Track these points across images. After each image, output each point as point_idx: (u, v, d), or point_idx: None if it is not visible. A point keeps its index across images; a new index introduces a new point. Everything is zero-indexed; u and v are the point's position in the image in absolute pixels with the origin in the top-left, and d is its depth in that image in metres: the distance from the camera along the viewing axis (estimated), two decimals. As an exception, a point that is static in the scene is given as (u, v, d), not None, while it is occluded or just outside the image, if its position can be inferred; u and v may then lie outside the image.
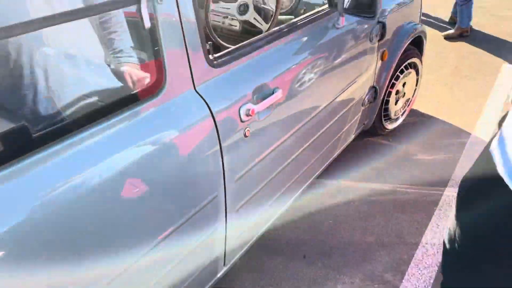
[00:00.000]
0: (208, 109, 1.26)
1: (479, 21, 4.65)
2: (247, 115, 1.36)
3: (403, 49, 2.49)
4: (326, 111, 1.89)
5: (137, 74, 1.20)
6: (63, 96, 1.17)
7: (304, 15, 1.78)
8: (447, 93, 3.39)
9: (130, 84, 1.19)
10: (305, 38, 1.71)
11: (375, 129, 2.75)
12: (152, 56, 1.16)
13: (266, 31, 1.95)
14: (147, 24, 1.08)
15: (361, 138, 2.79)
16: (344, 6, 1.82)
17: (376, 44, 2.22)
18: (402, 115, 2.91)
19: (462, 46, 4.21)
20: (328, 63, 1.81)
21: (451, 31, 4.41)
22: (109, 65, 1.26)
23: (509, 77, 3.63)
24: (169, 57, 1.15)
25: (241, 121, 1.36)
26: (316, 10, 1.85)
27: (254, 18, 2.02)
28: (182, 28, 1.18)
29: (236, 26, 2.19)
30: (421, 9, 2.84)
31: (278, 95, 1.49)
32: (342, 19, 1.86)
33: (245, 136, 1.40)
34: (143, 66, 1.23)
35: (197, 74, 1.25)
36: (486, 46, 4.19)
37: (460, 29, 4.36)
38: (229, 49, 1.40)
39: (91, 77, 1.21)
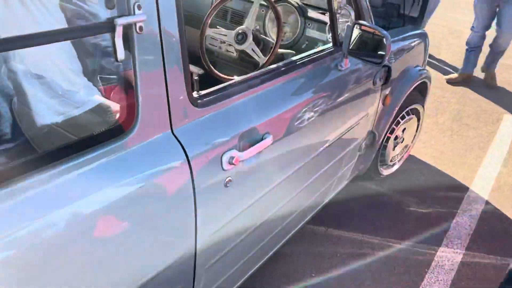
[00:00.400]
0: (184, 155, 1.09)
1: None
2: (230, 163, 1.20)
3: (407, 94, 2.36)
4: (320, 158, 1.74)
5: (103, 110, 1.04)
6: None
7: (305, 54, 1.63)
8: (447, 141, 3.26)
9: (94, 122, 1.03)
10: (303, 79, 1.56)
11: (369, 173, 2.60)
12: (123, 91, 1.00)
13: (263, 65, 1.82)
14: (121, 56, 0.92)
15: (353, 181, 2.63)
16: (349, 47, 1.68)
17: (379, 88, 2.08)
18: (399, 161, 2.77)
19: (465, 92, 4.11)
20: (327, 106, 1.66)
21: (454, 75, 4.32)
22: (70, 97, 1.09)
23: (510, 128, 3.52)
24: (143, 93, 0.99)
25: (223, 169, 1.20)
26: (319, 48, 1.71)
27: (252, 49, 1.88)
28: (163, 61, 1.02)
29: (233, 53, 2.04)
30: (427, 51, 2.73)
31: (268, 141, 1.33)
32: (346, 61, 1.72)
33: (225, 186, 1.23)
34: (112, 101, 1.07)
35: (177, 114, 1.09)
36: (489, 94, 4.09)
37: (464, 74, 4.28)
38: (217, 87, 1.24)
39: (49, 108, 1.05)
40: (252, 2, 1.87)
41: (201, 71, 1.24)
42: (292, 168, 1.56)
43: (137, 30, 0.94)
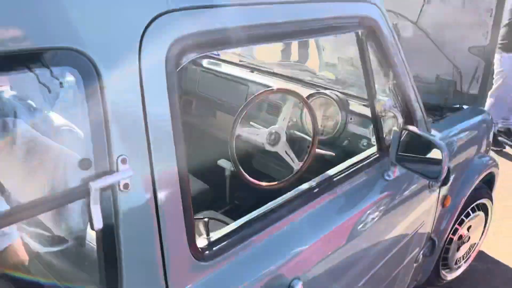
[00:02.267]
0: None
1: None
2: (246, 330, 0.96)
3: (471, 190, 2.03)
4: (366, 285, 1.45)
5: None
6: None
7: (345, 164, 1.40)
8: (523, 232, 2.81)
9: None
10: (341, 198, 1.32)
11: (429, 279, 2.22)
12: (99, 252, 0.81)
13: (297, 171, 1.60)
14: (98, 225, 0.74)
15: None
16: (398, 152, 1.43)
17: (437, 191, 1.78)
18: (465, 262, 2.37)
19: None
20: (373, 225, 1.39)
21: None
22: None
23: None
24: (128, 257, 0.80)
25: (235, 337, 0.96)
26: (362, 156, 1.47)
27: (286, 152, 1.68)
28: (157, 215, 0.83)
29: (266, 155, 1.86)
30: (490, 134, 2.38)
31: (297, 290, 1.07)
32: (395, 169, 1.47)
33: None
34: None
35: (175, 275, 0.88)
36: None
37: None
38: (229, 228, 1.02)
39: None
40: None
41: (211, 219, 1.04)
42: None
43: (121, 188, 0.77)
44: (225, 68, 2.48)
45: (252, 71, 2.41)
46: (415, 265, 1.85)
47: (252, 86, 2.24)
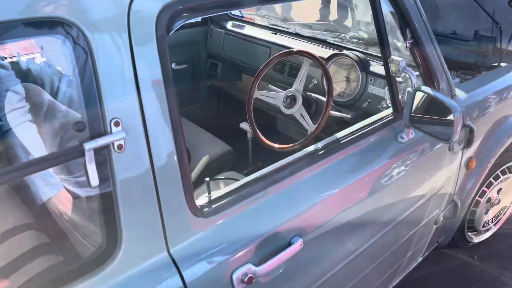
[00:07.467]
0: (181, 281, 0.93)
1: None
2: (243, 281, 1.02)
3: (501, 152, 1.95)
4: (375, 246, 1.46)
5: (79, 229, 0.93)
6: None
7: (358, 126, 1.39)
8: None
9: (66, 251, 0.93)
10: (352, 159, 1.33)
11: (454, 240, 2.19)
12: (100, 209, 0.88)
13: (311, 133, 1.62)
14: (94, 182, 0.81)
15: (435, 249, 2.24)
16: (411, 116, 1.40)
17: (460, 152, 1.73)
18: (495, 224, 2.31)
19: None
20: (383, 186, 1.39)
21: None
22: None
23: None
24: (126, 211, 0.86)
25: (233, 288, 1.02)
26: (376, 117, 1.45)
27: (301, 114, 1.68)
28: (153, 172, 0.88)
29: (282, 117, 1.87)
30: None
31: (297, 247, 1.12)
32: (408, 131, 1.44)
33: (239, 305, 1.05)
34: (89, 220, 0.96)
35: (174, 230, 0.94)
36: None
37: None
38: (229, 189, 1.07)
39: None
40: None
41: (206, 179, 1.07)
42: (336, 266, 1.32)
43: (116, 149, 0.82)
44: (248, 31, 2.47)
45: (276, 33, 2.38)
46: (435, 226, 1.84)
47: (274, 49, 2.22)
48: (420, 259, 1.93)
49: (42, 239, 1.12)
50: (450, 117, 1.36)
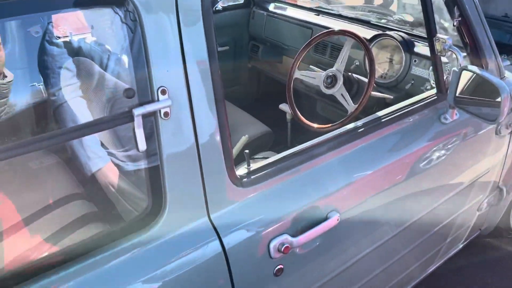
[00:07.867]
0: (220, 245, 0.97)
1: None
2: (280, 251, 1.04)
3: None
4: (412, 229, 1.45)
5: (126, 197, 0.99)
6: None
7: (399, 105, 1.37)
8: None
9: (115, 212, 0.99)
10: (392, 139, 1.32)
11: (497, 229, 2.13)
12: (146, 174, 0.92)
13: (351, 113, 1.61)
14: (142, 147, 0.85)
15: (477, 238, 2.19)
16: (456, 96, 1.36)
17: (508, 137, 1.67)
18: (544, 214, 2.22)
19: None
20: (423, 167, 1.37)
21: None
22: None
23: None
24: (171, 178, 0.90)
25: (271, 257, 1.05)
26: (419, 98, 1.43)
27: (342, 95, 1.68)
28: (196, 140, 0.92)
29: (322, 98, 1.87)
30: None
31: (333, 221, 1.13)
32: (453, 112, 1.41)
33: (276, 275, 1.08)
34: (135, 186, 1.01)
35: (214, 197, 0.98)
36: None
37: None
38: (268, 161, 1.09)
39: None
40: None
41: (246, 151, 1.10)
42: (372, 245, 1.32)
43: (162, 116, 0.86)
44: (290, 12, 2.46)
45: (318, 14, 2.36)
46: (478, 213, 1.79)
47: (316, 30, 2.21)
48: (461, 246, 1.89)
49: (91, 208, 1.19)
50: (498, 99, 1.32)
